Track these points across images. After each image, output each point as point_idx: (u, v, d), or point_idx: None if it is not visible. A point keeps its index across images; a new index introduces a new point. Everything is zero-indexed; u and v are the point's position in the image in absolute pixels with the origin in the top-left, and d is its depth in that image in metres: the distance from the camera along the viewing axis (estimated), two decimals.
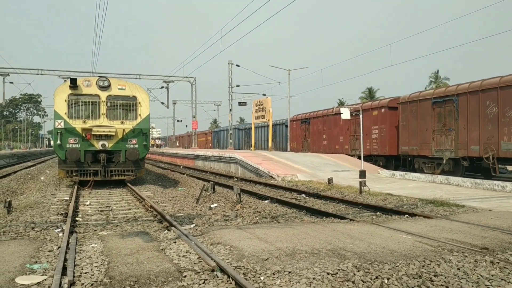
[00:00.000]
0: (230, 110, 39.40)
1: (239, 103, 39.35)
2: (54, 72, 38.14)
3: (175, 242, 6.40)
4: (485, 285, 4.65)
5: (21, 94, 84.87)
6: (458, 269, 5.09)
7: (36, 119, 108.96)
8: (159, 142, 76.77)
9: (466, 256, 5.57)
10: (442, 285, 4.60)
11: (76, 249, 6.01)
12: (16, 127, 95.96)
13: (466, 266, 5.17)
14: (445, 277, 4.81)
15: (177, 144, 67.83)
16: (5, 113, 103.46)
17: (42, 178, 20.50)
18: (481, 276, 4.89)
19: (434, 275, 4.86)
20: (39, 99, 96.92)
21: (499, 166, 16.41)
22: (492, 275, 4.92)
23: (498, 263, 5.31)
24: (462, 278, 4.82)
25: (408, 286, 4.57)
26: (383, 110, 23.00)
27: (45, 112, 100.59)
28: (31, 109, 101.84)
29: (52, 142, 17.39)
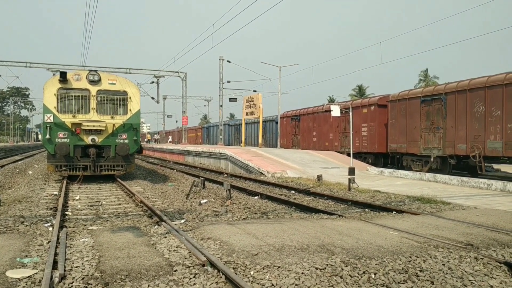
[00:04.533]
0: (221, 106, 39.41)
1: (230, 99, 39.32)
2: (42, 65, 37.73)
3: (165, 237, 6.44)
4: (469, 280, 4.77)
5: (8, 87, 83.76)
6: (443, 264, 5.21)
7: (24, 112, 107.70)
8: (157, 137, 73.19)
9: (451, 252, 5.70)
10: (428, 280, 4.72)
11: (66, 243, 6.02)
12: (3, 121, 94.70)
13: (451, 262, 5.30)
14: (431, 273, 4.93)
15: (170, 140, 66.96)
16: None
17: (30, 172, 20.34)
18: (465, 271, 5.02)
19: (420, 271, 4.98)
20: (27, 93, 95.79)
21: (485, 164, 16.68)
22: (476, 271, 5.06)
23: (482, 259, 5.45)
24: (447, 273, 4.94)
25: (394, 281, 4.68)
26: (372, 108, 23.19)
27: (33, 105, 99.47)
28: (19, 103, 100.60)
29: (40, 136, 17.26)
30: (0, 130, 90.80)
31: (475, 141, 16.49)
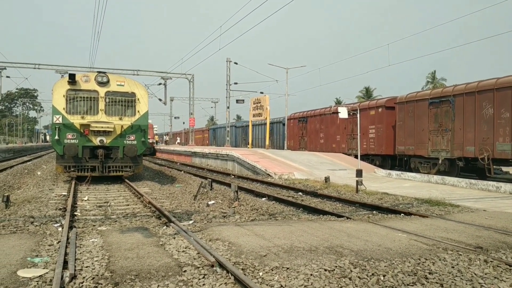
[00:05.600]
0: (228, 107, 39.47)
1: (237, 101, 39.40)
2: (51, 67, 38.02)
3: (174, 238, 6.47)
4: (479, 283, 4.75)
5: (17, 89, 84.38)
6: (453, 267, 5.19)
7: (32, 113, 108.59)
8: (166, 139, 72.70)
9: (461, 254, 5.68)
10: (437, 283, 4.71)
11: (76, 243, 6.07)
12: (12, 122, 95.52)
13: (461, 265, 5.28)
14: (440, 275, 4.91)
15: (178, 141, 66.99)
16: (1, 107, 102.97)
17: (39, 173, 20.50)
18: (475, 274, 4.99)
19: (429, 273, 4.97)
20: (35, 94, 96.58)
21: (494, 167, 16.57)
22: (485, 274, 5.03)
23: (491, 261, 5.42)
24: (456, 276, 4.92)
25: (403, 283, 4.67)
26: (380, 109, 23.13)
27: (41, 107, 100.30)
28: (27, 104, 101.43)
29: (48, 137, 17.35)
30: (8, 131, 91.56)
31: (483, 144, 16.38)
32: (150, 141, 40.91)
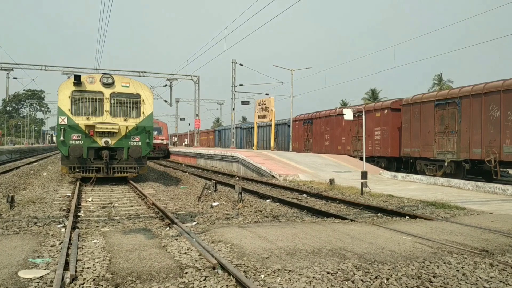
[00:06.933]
0: (233, 109, 39.47)
1: (242, 102, 39.43)
2: (57, 68, 38.27)
3: (176, 239, 6.45)
4: (484, 286, 4.67)
5: (24, 90, 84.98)
6: (457, 270, 5.12)
7: (39, 115, 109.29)
8: (174, 140, 72.49)
9: (466, 258, 5.60)
10: (441, 286, 4.64)
11: (78, 244, 6.06)
12: (19, 123, 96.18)
13: (466, 268, 5.20)
14: (444, 278, 4.84)
15: (186, 142, 67.03)
16: (8, 108, 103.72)
17: (45, 174, 20.58)
18: (480, 278, 4.92)
19: (433, 276, 4.90)
20: (42, 95, 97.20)
21: (501, 169, 16.40)
22: (491, 277, 4.95)
23: (497, 265, 5.34)
24: (461, 279, 4.85)
25: (407, 286, 4.60)
26: (385, 111, 23.01)
27: (48, 108, 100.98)
28: (34, 105, 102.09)
29: (55, 138, 17.41)
30: (15, 132, 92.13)
31: (490, 146, 16.24)
32: (164, 142, 40.33)
